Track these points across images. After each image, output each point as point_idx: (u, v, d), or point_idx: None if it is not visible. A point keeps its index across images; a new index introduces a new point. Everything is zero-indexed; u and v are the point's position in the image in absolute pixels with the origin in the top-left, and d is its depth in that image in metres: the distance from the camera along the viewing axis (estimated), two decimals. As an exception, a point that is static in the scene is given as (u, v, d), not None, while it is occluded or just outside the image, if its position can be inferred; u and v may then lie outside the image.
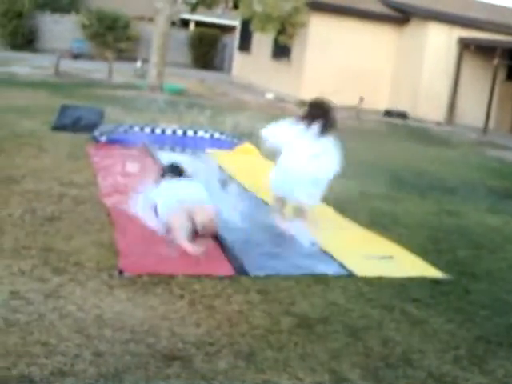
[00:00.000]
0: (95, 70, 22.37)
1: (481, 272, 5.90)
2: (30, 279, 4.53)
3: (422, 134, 16.62)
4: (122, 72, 22.01)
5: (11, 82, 16.90)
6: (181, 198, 5.78)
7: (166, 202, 5.85)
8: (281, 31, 18.48)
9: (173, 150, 10.03)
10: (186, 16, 34.76)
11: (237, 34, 27.10)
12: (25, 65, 21.82)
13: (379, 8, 20.70)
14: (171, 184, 6.24)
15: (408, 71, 20.04)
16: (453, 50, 19.33)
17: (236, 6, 18.57)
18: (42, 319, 3.94)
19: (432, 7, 19.95)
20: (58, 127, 10.54)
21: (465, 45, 19.22)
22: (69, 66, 22.53)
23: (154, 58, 18.64)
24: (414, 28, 19.97)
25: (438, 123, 18.88)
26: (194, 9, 21.18)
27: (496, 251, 6.64)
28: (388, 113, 19.66)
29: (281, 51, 21.33)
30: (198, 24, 35.86)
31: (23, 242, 5.23)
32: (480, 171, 11.74)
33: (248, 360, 3.74)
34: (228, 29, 34.24)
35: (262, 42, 21.44)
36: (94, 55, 28.58)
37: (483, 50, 19.10)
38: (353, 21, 19.96)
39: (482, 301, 5.15)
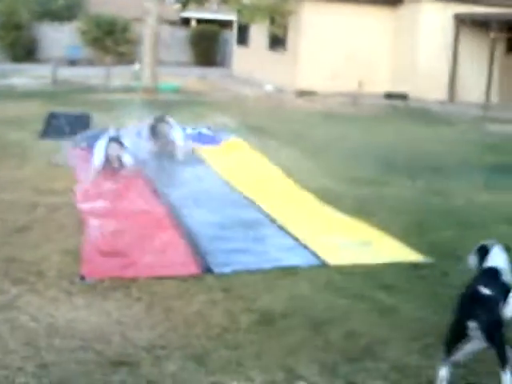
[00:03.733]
0: (94, 75, 22.24)
1: (464, 252, 5.61)
2: (-13, 292, 4.43)
3: (421, 115, 16.36)
4: (121, 75, 21.84)
5: (7, 93, 16.85)
6: None
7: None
8: (272, 21, 18.25)
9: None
10: (187, 14, 34.72)
11: (234, 29, 26.89)
12: (23, 76, 21.77)
13: (372, -10, 20.40)
14: None
15: (406, 52, 19.74)
16: (449, 26, 18.99)
17: (225, 1, 18.38)
18: (-9, 332, 3.84)
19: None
20: (45, 136, 10.46)
21: (460, 20, 18.87)
22: (67, 73, 22.48)
23: (147, 59, 18.52)
24: (408, 7, 19.64)
25: (441, 102, 18.58)
26: (184, 6, 21.07)
27: (483, 229, 6.42)
28: (388, 95, 19.38)
29: (276, 41, 21.11)
30: (200, 21, 35.72)
31: (-14, 255, 5.13)
32: (477, 148, 11.49)
33: (199, 362, 3.61)
34: (228, 24, 34.04)
35: (259, 34, 21.24)
36: (95, 60, 28.49)
37: (480, 25, 18.75)
38: (346, 5, 19.65)
39: (460, 283, 4.90)
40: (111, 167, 7.89)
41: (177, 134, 9.01)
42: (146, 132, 8.98)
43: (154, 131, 8.88)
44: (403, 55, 19.80)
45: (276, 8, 17.13)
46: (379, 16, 20.00)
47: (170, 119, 9.08)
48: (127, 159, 8.00)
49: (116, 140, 8.11)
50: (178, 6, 21.56)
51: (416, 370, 3.64)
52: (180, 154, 8.56)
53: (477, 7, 18.67)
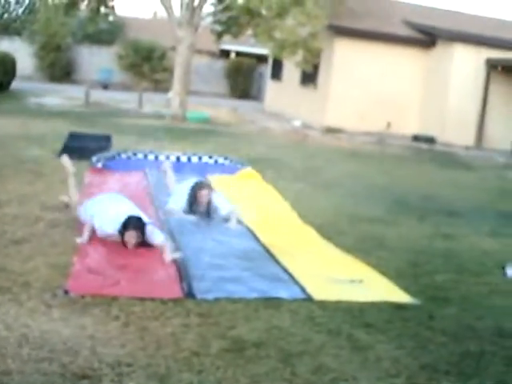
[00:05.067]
0: (127, 100, 22.67)
1: (455, 297, 5.65)
2: (-31, 300, 4.51)
3: (445, 158, 16.30)
4: (154, 102, 22.24)
5: (37, 112, 17.22)
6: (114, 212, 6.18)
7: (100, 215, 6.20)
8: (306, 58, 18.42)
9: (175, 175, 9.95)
10: (227, 47, 35.19)
11: (269, 63, 27.15)
12: (57, 96, 22.26)
13: (405, 31, 20.48)
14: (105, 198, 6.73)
15: (435, 95, 19.73)
16: (480, 71, 18.94)
17: (256, 34, 18.62)
18: (-37, 339, 3.91)
19: (458, 29, 19.66)
20: (64, 154, 10.61)
21: (492, 65, 18.82)
22: (101, 96, 22.91)
23: (177, 87, 18.78)
24: (440, 50, 19.67)
25: (467, 147, 18.49)
26: (219, 37, 21.33)
27: (480, 276, 6.36)
28: (416, 138, 19.36)
29: (308, 78, 21.27)
30: (239, 54, 36.16)
31: (-22, 264, 5.23)
32: (493, 194, 11.40)
33: (160, 382, 3.63)
34: (265, 58, 34.43)
35: (291, 69, 21.40)
36: (131, 86, 28.96)
37: (511, 70, 18.75)
38: (378, 45, 19.76)
39: (445, 327, 4.91)
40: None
41: (219, 200, 7.64)
42: (184, 198, 7.52)
43: (194, 198, 7.41)
44: (433, 98, 19.79)
45: (305, 44, 17.26)
46: (411, 57, 20.06)
47: (212, 185, 7.89)
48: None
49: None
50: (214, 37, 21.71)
51: (377, 408, 3.61)
52: (233, 223, 7.28)
53: (510, 53, 18.61)
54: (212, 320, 4.56)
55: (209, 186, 7.54)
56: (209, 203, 7.30)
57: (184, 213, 7.35)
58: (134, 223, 5.96)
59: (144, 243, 5.96)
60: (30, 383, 3.47)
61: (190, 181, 7.74)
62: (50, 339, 4.00)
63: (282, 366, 3.98)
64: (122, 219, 5.96)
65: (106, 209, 6.29)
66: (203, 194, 7.29)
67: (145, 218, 6.16)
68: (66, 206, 7.03)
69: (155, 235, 6.04)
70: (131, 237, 5.90)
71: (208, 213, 7.30)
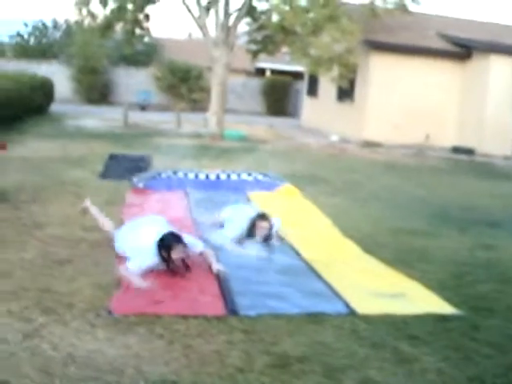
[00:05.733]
0: (165, 121, 22.89)
1: (499, 307, 5.57)
2: (16, 319, 4.59)
3: (484, 169, 16.13)
4: (193, 122, 22.40)
5: (76, 134, 17.49)
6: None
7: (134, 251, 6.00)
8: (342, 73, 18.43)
9: (214, 193, 10.00)
10: (262, 65, 35.39)
11: (305, 79, 27.21)
12: (95, 118, 22.57)
13: (440, 44, 20.39)
14: (134, 225, 6.56)
15: (473, 106, 19.57)
16: (517, 82, 18.79)
17: (292, 52, 18.72)
18: (11, 358, 3.98)
19: (493, 40, 19.53)
20: (105, 176, 10.79)
21: (528, 75, 18.68)
22: (139, 117, 23.18)
23: (214, 107, 18.94)
24: (476, 62, 19.53)
25: (506, 157, 18.28)
26: (255, 56, 21.45)
27: (524, 285, 6.26)
28: (455, 149, 19.21)
29: (345, 93, 21.28)
30: (274, 72, 36.34)
31: (24, 284, 5.33)
32: (535, 204, 11.24)
33: (205, 399, 3.64)
34: (301, 75, 34.54)
35: (327, 85, 21.43)
36: (168, 107, 29.23)
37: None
38: (414, 58, 19.72)
39: (490, 338, 4.84)
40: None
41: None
42: (239, 227, 7.14)
43: (252, 231, 7.04)
44: (471, 110, 19.63)
45: (340, 60, 17.28)
46: (447, 70, 19.96)
47: (273, 219, 7.23)
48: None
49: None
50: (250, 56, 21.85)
51: (424, 422, 3.57)
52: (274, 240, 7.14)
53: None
54: (256, 336, 4.56)
55: (269, 219, 7.07)
56: (267, 237, 7.00)
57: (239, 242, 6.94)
58: (170, 239, 5.78)
59: (187, 257, 5.93)
60: (77, 401, 3.52)
61: (246, 210, 7.52)
62: (95, 358, 4.05)
63: (326, 380, 3.97)
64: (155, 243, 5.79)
65: (137, 239, 6.09)
66: (263, 226, 6.96)
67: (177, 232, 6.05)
68: (84, 212, 7.24)
69: (195, 244, 6.09)
70: (178, 252, 5.73)
71: (266, 243, 6.99)
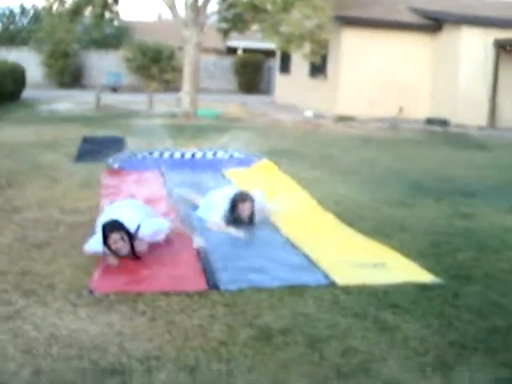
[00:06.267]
0: (138, 102, 22.70)
1: (478, 274, 5.62)
2: (-4, 303, 4.55)
3: (458, 140, 16.23)
4: (165, 102, 22.24)
5: (49, 118, 17.33)
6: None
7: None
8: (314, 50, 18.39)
9: (191, 172, 9.97)
10: (233, 44, 35.21)
11: (277, 57, 27.14)
12: (68, 101, 22.36)
13: (411, 17, 20.43)
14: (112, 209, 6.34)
15: (446, 78, 19.68)
16: (489, 52, 18.86)
17: (262, 29, 18.62)
18: (-7, 341, 3.95)
19: (464, 12, 19.59)
20: (80, 158, 10.71)
21: (501, 46, 18.75)
22: (111, 99, 23.00)
23: (186, 86, 18.84)
24: (447, 34, 19.61)
25: (480, 128, 18.41)
26: (225, 34, 21.34)
27: (502, 252, 6.32)
28: (429, 121, 19.31)
29: (317, 69, 21.28)
30: (246, 51, 36.16)
31: (3, 268, 5.29)
32: (509, 172, 11.33)
33: (190, 373, 3.65)
34: (273, 53, 34.43)
35: (300, 61, 21.37)
36: (140, 88, 29.01)
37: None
38: (385, 32, 19.76)
39: (470, 304, 4.89)
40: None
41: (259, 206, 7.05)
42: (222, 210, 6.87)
43: (234, 211, 6.78)
44: (443, 81, 19.75)
45: (312, 36, 17.22)
46: (419, 43, 20.05)
47: (254, 194, 7.01)
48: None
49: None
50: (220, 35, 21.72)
51: (408, 388, 3.61)
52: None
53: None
54: (238, 310, 4.58)
55: (250, 198, 6.79)
56: (251, 215, 6.78)
57: (226, 224, 6.71)
58: (106, 228, 5.44)
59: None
60: (62, 381, 3.51)
61: (227, 190, 7.23)
62: (78, 337, 4.04)
63: (309, 351, 3.99)
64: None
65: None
66: (246, 207, 6.72)
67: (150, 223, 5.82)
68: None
69: (155, 231, 5.80)
70: (114, 241, 5.38)
71: (251, 222, 6.79)
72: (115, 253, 5.40)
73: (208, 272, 5.28)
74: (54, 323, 4.23)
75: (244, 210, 6.72)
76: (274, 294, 4.92)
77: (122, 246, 5.39)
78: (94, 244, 5.53)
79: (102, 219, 5.87)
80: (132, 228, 5.56)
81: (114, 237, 5.37)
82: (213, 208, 6.97)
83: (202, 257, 5.67)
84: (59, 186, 8.55)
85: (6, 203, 7.51)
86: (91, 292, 4.78)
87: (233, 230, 6.56)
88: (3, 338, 3.99)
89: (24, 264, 5.40)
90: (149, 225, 5.78)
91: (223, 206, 6.82)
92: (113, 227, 5.43)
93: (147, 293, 4.81)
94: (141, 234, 5.61)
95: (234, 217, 6.71)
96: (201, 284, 5.03)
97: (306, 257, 5.85)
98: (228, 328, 4.27)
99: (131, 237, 5.46)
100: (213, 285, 5.00)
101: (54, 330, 4.13)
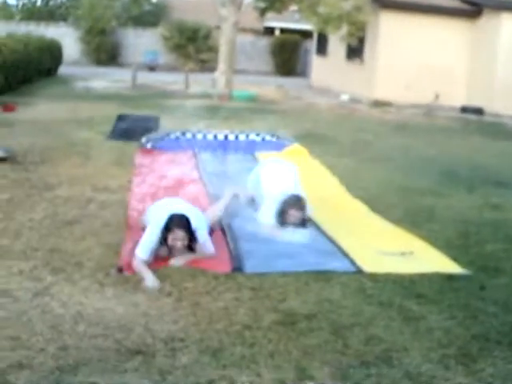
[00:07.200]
0: (173, 81, 22.74)
1: (506, 267, 5.56)
2: (26, 279, 4.65)
3: (493, 129, 16.01)
4: (201, 82, 22.22)
5: (85, 95, 17.47)
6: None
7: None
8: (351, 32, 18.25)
9: (223, 154, 10.01)
10: (271, 24, 35.03)
11: (314, 38, 26.94)
12: (104, 79, 22.50)
13: (450, 2, 20.06)
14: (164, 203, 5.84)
15: (483, 65, 19.35)
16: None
17: (300, 10, 18.49)
18: (22, 316, 4.04)
19: (505, -2, 19.28)
20: (113, 136, 10.80)
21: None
22: (147, 78, 23.06)
23: (222, 66, 18.80)
24: (486, 20, 19.26)
25: (517, 117, 18.14)
26: (262, 14, 21.24)
27: (532, 244, 6.24)
28: (464, 109, 19.06)
29: (354, 51, 21.10)
30: (283, 31, 35.92)
31: (33, 244, 5.37)
32: (545, 164, 11.18)
33: (213, 356, 3.68)
34: (310, 34, 34.20)
35: (337, 44, 21.23)
36: (176, 67, 29.03)
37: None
38: (424, 16, 19.46)
39: (496, 297, 4.85)
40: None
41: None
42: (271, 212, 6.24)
43: (282, 216, 6.17)
44: (481, 69, 19.44)
45: (349, 18, 17.07)
46: (457, 28, 19.72)
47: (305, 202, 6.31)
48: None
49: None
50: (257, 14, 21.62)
51: (428, 379, 3.57)
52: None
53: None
54: (263, 294, 4.60)
55: (301, 205, 6.19)
56: (299, 223, 6.16)
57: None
58: (174, 221, 5.06)
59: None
60: (86, 358, 3.56)
61: (279, 190, 6.41)
62: (104, 316, 4.09)
63: (333, 337, 4.00)
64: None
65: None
66: (294, 214, 6.14)
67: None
68: None
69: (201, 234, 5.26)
70: (175, 239, 5.05)
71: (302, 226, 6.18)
72: (167, 246, 5.09)
73: (235, 255, 5.32)
74: (80, 301, 4.30)
75: (291, 217, 6.11)
76: (300, 279, 4.93)
77: (180, 246, 5.06)
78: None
79: (163, 209, 5.34)
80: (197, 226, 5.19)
81: (179, 234, 5.00)
82: (262, 208, 6.44)
83: (229, 239, 5.70)
84: (92, 164, 8.64)
85: (38, 180, 7.61)
86: (119, 271, 4.84)
87: (287, 235, 6.01)
88: (32, 314, 4.07)
89: (54, 241, 5.48)
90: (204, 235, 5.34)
91: (272, 207, 6.22)
92: (181, 223, 5.03)
93: (174, 274, 4.85)
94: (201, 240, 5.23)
95: (281, 221, 6.14)
96: (227, 266, 5.07)
97: (334, 243, 5.85)
98: (253, 312, 4.30)
99: (192, 239, 5.13)
100: (239, 268, 5.03)
101: (80, 308, 4.20)
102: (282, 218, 6.13)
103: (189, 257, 5.14)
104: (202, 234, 5.22)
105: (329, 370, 3.62)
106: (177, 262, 5.08)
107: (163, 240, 5.05)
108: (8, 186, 7.27)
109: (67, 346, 3.69)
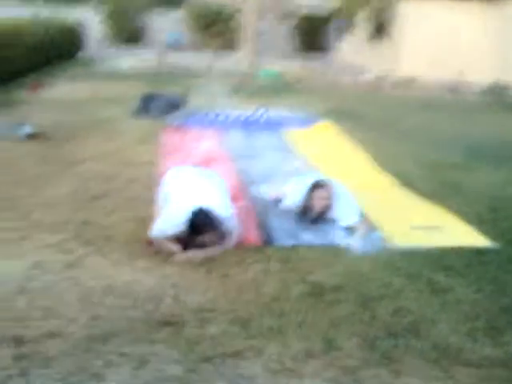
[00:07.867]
0: (198, 61, 22.69)
1: (535, 240, 5.53)
2: (57, 251, 4.72)
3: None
4: (226, 62, 22.19)
5: (112, 75, 17.52)
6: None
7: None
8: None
9: (250, 131, 9.96)
10: (296, 2, 34.69)
11: (340, 17, 26.67)
12: (129, 59, 22.51)
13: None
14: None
15: (510, 42, 19.08)
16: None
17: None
18: (53, 287, 4.11)
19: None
20: (139, 114, 10.83)
21: None
22: (172, 57, 23.05)
23: (247, 46, 18.76)
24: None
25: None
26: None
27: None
28: (489, 86, 18.80)
29: (379, 30, 20.90)
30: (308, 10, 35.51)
31: (64, 218, 5.44)
32: None
33: (242, 326, 3.71)
34: (336, 13, 33.85)
35: (362, 22, 21.03)
36: (201, 47, 28.93)
37: None
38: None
39: (524, 269, 4.83)
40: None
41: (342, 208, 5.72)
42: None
43: (308, 200, 5.63)
44: (507, 45, 19.14)
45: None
46: (484, 4, 19.42)
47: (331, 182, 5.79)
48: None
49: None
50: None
51: (457, 351, 3.58)
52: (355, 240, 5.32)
53: None
54: (292, 265, 4.63)
55: (329, 187, 5.68)
56: (324, 211, 5.61)
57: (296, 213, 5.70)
58: (202, 222, 4.75)
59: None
60: (116, 329, 3.61)
61: (310, 177, 5.97)
62: (133, 288, 4.14)
63: (361, 309, 4.02)
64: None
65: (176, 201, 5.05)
66: (320, 195, 5.58)
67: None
68: None
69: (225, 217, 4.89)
70: (203, 237, 4.78)
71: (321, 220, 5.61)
72: (196, 244, 4.78)
73: (264, 227, 5.33)
74: (110, 274, 4.35)
75: (316, 199, 5.56)
76: (329, 251, 4.95)
77: (209, 243, 4.80)
78: (162, 225, 4.85)
79: (180, 194, 5.11)
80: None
81: (208, 237, 4.77)
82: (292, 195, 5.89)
83: (259, 212, 5.71)
84: (118, 141, 8.70)
85: (67, 155, 7.70)
86: (149, 244, 4.87)
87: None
88: (64, 285, 4.13)
89: (84, 215, 5.54)
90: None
91: (299, 194, 5.73)
92: (210, 226, 4.74)
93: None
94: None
95: (305, 205, 5.63)
96: (256, 238, 5.09)
97: (363, 217, 5.83)
98: (281, 283, 4.32)
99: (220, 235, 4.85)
100: (268, 240, 5.05)
101: (110, 280, 4.24)
102: (309, 203, 5.61)
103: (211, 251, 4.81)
104: (229, 225, 4.86)
105: (356, 340, 3.64)
106: (196, 254, 4.74)
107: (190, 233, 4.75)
108: (37, 161, 7.36)
109: (97, 316, 3.74)
